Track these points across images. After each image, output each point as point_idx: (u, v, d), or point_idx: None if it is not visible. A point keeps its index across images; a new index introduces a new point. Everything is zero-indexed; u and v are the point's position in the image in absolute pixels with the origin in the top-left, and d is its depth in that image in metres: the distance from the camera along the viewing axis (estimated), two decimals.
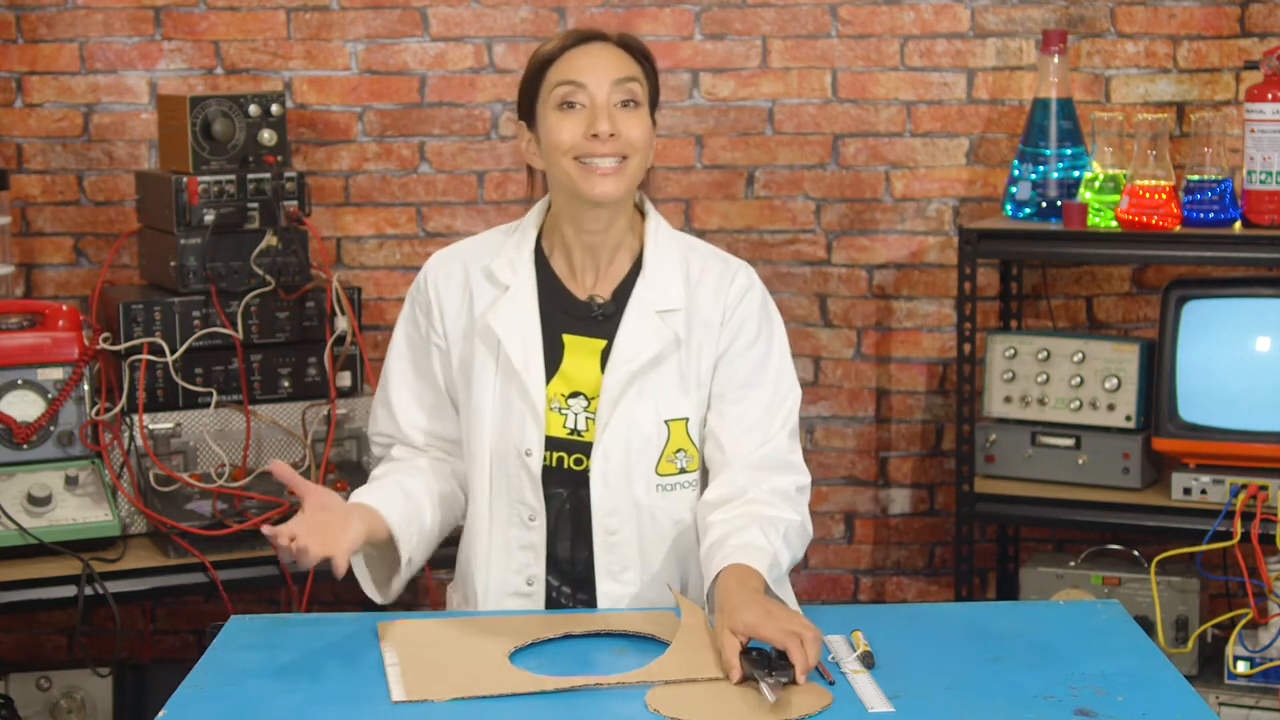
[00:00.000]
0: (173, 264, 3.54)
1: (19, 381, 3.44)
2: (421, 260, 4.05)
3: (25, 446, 3.44)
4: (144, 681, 3.67)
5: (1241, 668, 3.56)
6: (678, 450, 2.56)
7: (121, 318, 3.51)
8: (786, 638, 2.18)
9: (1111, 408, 3.74)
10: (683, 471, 2.56)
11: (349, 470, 3.60)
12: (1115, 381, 3.74)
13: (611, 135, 2.48)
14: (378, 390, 2.71)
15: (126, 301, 3.51)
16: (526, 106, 2.58)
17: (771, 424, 2.56)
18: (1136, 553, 3.77)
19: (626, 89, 2.51)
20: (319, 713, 2.12)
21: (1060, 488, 3.76)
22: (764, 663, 2.15)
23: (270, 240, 3.57)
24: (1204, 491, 3.61)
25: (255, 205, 3.57)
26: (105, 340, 3.52)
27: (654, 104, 2.58)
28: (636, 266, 2.59)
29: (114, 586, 3.32)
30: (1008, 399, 3.83)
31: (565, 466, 2.54)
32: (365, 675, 2.24)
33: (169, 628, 4.10)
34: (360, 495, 2.53)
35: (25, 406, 3.44)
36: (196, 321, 3.54)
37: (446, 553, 2.72)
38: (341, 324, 3.58)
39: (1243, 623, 3.57)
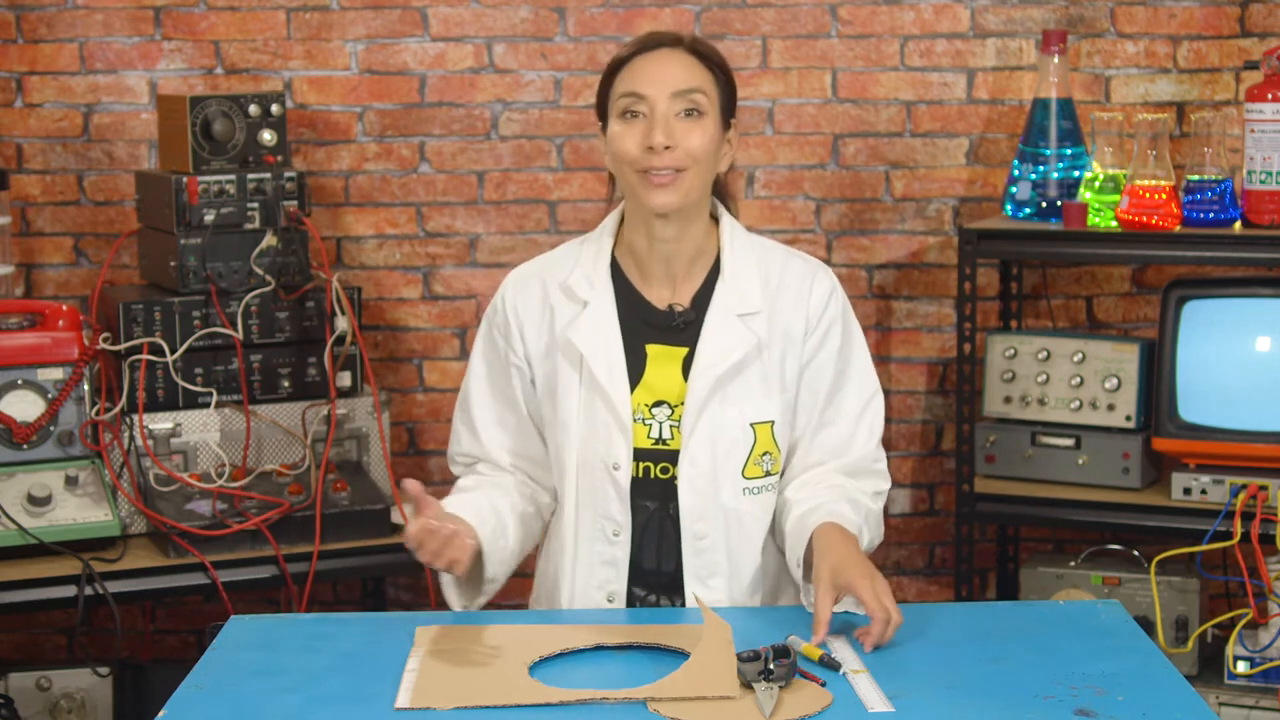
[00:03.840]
0: (173, 264, 3.54)
1: (19, 381, 3.44)
2: (421, 260, 4.08)
3: (25, 446, 3.44)
4: (144, 681, 3.67)
5: (1241, 668, 3.56)
6: (764, 453, 2.55)
7: (121, 318, 3.50)
8: (877, 608, 2.26)
9: (1111, 408, 3.74)
10: (768, 475, 2.56)
11: (349, 470, 3.60)
12: (1115, 381, 3.74)
13: (668, 148, 2.47)
14: (457, 411, 2.69)
15: (126, 301, 3.51)
16: (601, 109, 2.58)
17: (858, 431, 2.59)
18: (1136, 553, 3.77)
19: (689, 100, 2.50)
20: (319, 713, 2.12)
21: (1060, 488, 3.75)
22: (760, 665, 2.15)
23: (270, 240, 3.57)
24: (1204, 491, 3.60)
25: (255, 205, 3.57)
26: (105, 340, 3.52)
27: (728, 111, 2.57)
28: (714, 273, 2.58)
29: (114, 586, 3.33)
30: (1007, 399, 3.82)
31: (652, 476, 2.54)
32: (365, 676, 2.24)
33: (169, 628, 4.09)
34: (453, 508, 2.46)
35: (25, 406, 3.44)
36: (196, 321, 3.54)
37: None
38: (341, 324, 3.57)
39: (1243, 623, 3.57)
